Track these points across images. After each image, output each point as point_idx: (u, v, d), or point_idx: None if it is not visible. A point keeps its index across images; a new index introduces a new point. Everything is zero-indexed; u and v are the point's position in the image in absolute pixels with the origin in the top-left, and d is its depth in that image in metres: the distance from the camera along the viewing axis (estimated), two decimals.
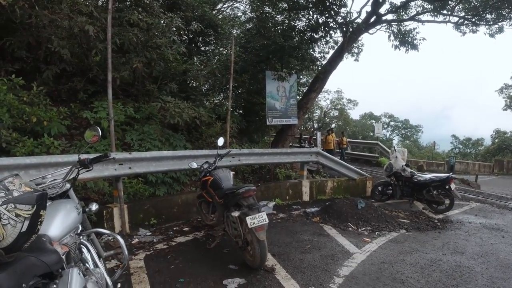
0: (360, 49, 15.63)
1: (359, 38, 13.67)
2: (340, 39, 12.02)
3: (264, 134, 12.51)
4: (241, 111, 11.79)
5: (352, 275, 4.23)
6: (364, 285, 3.98)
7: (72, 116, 6.81)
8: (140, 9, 7.66)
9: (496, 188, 14.47)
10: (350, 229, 6.25)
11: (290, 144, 11.80)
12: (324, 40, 11.48)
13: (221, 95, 11.56)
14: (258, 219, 3.94)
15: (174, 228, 5.84)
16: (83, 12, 6.84)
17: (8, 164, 4.05)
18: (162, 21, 7.91)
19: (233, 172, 5.22)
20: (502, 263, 4.85)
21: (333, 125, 45.23)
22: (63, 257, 2.09)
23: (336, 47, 12.36)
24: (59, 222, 2.32)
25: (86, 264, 2.59)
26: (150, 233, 5.51)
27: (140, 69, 7.34)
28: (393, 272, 4.38)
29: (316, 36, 10.94)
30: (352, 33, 11.25)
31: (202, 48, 12.93)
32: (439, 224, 7.01)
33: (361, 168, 13.80)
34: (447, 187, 7.95)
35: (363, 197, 8.48)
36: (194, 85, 10.92)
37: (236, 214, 4.11)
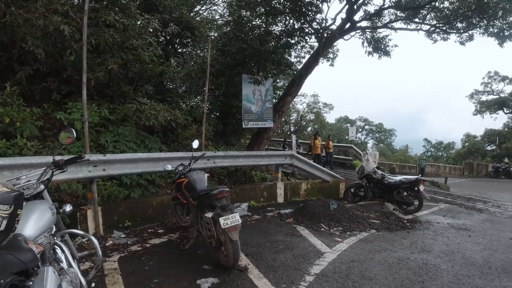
0: (335, 54, 15.93)
1: (334, 44, 13.99)
2: (316, 44, 12.28)
3: (240, 137, 12.60)
4: (217, 114, 11.85)
5: (322, 274, 4.38)
6: (333, 282, 4.12)
7: (46, 117, 6.71)
8: (116, 9, 7.62)
9: (465, 190, 15.00)
10: (322, 229, 6.42)
11: (266, 147, 11.94)
12: (300, 45, 11.74)
13: (198, 97, 11.61)
14: (231, 220, 4.04)
15: (149, 230, 5.85)
16: (59, 12, 6.75)
17: None
18: (139, 22, 7.90)
19: (207, 174, 5.30)
20: (468, 261, 5.09)
21: (309, 128, 45.88)
22: (38, 256, 2.14)
23: (311, 52, 12.60)
24: (34, 222, 2.36)
25: (61, 264, 2.63)
26: (124, 235, 5.51)
27: (115, 70, 7.30)
28: (362, 270, 4.55)
29: (292, 41, 11.16)
30: (327, 39, 11.51)
31: (179, 50, 12.93)
32: (408, 224, 7.28)
33: (336, 170, 14.12)
34: (416, 188, 8.29)
35: (336, 199, 8.71)
36: (171, 87, 10.91)
37: (209, 215, 4.20)
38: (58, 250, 2.72)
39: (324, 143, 18.28)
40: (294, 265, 4.59)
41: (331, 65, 15.99)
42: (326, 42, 11.63)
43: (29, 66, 6.79)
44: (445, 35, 13.32)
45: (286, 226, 6.52)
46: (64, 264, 2.67)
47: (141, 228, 5.90)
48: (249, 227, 6.26)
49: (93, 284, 2.88)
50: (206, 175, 5.17)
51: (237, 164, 8.11)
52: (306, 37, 11.37)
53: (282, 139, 21.33)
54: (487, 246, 5.94)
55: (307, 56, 12.48)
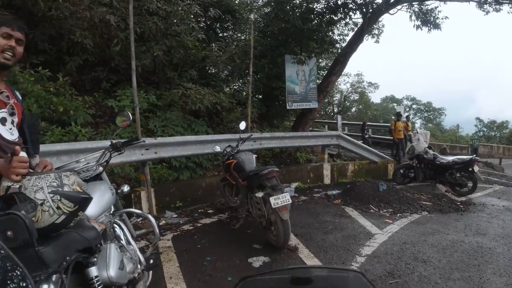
0: (380, 30, 15.23)
1: (379, 19, 13.34)
2: (360, 21, 11.78)
3: (284, 119, 12.51)
4: (260, 96, 11.81)
5: (374, 255, 4.30)
6: (386, 264, 4.03)
7: (97, 105, 7.01)
8: None
9: None
10: (371, 211, 6.29)
11: (310, 128, 11.75)
12: (344, 22, 11.30)
13: (240, 80, 11.60)
14: (281, 200, 4.02)
15: (199, 211, 6.01)
16: (103, 3, 6.97)
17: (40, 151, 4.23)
18: (180, 8, 7.97)
19: (255, 155, 5.30)
20: None
21: (353, 109, 44.61)
22: (100, 234, 2.23)
23: (355, 29, 12.11)
24: (95, 202, 2.43)
25: (121, 242, 2.73)
26: (176, 215, 5.70)
27: (160, 56, 7.47)
28: (414, 252, 4.41)
29: (335, 18, 10.78)
30: (372, 14, 11.00)
31: (220, 34, 12.94)
32: (461, 206, 6.95)
33: (383, 151, 13.64)
34: (470, 169, 7.85)
35: (385, 180, 8.47)
36: (213, 71, 10.99)
37: (260, 194, 4.21)
38: (117, 229, 2.82)
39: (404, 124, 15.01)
40: (345, 246, 4.54)
41: (377, 41, 15.35)
42: (371, 17, 11.11)
43: (78, 57, 7.07)
44: (498, 6, 12.16)
45: (334, 207, 6.44)
46: (123, 242, 2.77)
47: (192, 209, 6.07)
48: (296, 208, 6.23)
49: (151, 261, 2.99)
50: (254, 156, 5.18)
51: (283, 145, 8.08)
52: (350, 13, 10.93)
53: (361, 123, 17.49)
54: None
55: (351, 34, 12.04)
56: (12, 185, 1.66)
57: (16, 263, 1.21)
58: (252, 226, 5.14)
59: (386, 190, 6.96)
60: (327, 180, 8.65)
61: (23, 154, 1.71)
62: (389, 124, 15.05)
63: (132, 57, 5.62)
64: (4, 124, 1.93)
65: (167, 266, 3.91)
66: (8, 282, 1.13)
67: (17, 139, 2.00)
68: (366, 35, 12.84)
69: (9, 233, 1.52)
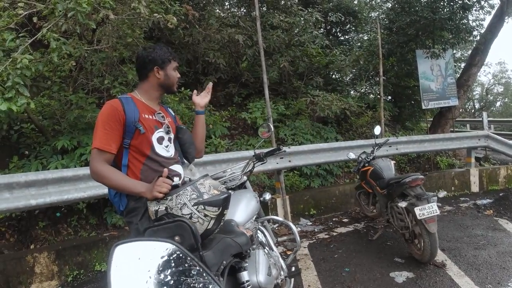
0: None
1: None
2: (496, 2, 10.20)
3: (419, 120, 11.52)
4: (389, 97, 11.13)
5: None
6: None
7: (231, 118, 7.55)
8: (279, 11, 8.02)
9: None
10: None
11: (451, 129, 10.52)
12: (479, 5, 9.89)
13: (367, 83, 11.13)
14: (427, 210, 3.69)
15: (334, 219, 5.93)
16: (230, 24, 7.52)
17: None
18: (302, 18, 8.09)
19: (394, 161, 4.98)
20: None
21: (498, 104, 38.32)
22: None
23: (492, 12, 10.52)
24: (243, 209, 2.62)
25: (265, 248, 2.85)
26: (310, 223, 5.72)
27: (286, 67, 7.68)
28: None
29: (469, 2, 9.49)
30: None
31: (341, 38, 12.69)
32: None
33: None
34: None
35: None
36: (337, 76, 10.81)
37: (403, 204, 3.92)
38: (260, 235, 2.95)
39: None
40: (500, 264, 3.97)
41: None
42: None
43: (212, 76, 7.75)
44: None
45: (485, 219, 5.67)
46: (267, 248, 2.89)
47: (326, 217, 6.03)
48: (441, 219, 5.62)
49: (293, 268, 3.05)
50: (393, 162, 4.87)
51: (421, 150, 7.44)
52: None
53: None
54: None
55: (488, 18, 10.46)
56: (159, 208, 1.84)
57: (206, 271, 1.37)
58: (391, 237, 4.85)
59: None
60: (474, 188, 7.63)
61: (176, 167, 1.95)
62: None
63: (263, 71, 5.90)
64: (161, 143, 2.19)
65: (305, 274, 3.94)
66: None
67: (173, 155, 2.26)
68: (506, 17, 10.99)
69: (176, 238, 1.71)
